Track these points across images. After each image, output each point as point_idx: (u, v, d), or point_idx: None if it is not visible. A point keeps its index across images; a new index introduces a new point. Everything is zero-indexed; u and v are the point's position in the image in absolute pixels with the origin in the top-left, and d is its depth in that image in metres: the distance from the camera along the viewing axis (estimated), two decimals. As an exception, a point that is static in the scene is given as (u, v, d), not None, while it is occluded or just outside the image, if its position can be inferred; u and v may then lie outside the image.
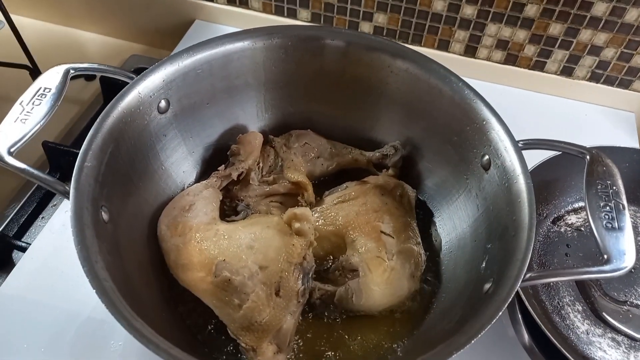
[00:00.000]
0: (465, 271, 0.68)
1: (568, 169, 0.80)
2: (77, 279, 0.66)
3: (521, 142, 0.64)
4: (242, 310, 0.61)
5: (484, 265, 0.63)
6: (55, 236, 0.78)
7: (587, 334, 0.70)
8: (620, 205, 0.55)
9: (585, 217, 0.81)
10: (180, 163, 0.76)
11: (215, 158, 0.79)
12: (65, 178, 0.88)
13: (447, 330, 0.60)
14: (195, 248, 0.65)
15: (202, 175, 0.79)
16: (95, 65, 0.65)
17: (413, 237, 0.71)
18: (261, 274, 0.63)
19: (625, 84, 1.04)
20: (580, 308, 0.72)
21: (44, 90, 0.61)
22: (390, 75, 0.74)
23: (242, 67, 0.75)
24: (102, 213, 0.58)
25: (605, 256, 0.52)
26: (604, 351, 0.68)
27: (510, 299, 0.51)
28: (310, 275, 0.65)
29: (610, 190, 0.57)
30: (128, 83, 0.65)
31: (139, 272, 0.64)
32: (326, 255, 0.72)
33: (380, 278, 0.66)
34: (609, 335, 0.70)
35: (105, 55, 1.23)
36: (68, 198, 0.55)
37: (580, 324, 0.70)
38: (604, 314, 0.71)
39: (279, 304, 0.63)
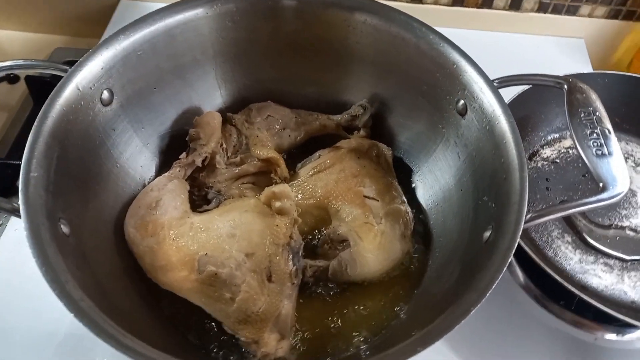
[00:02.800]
0: (456, 223, 0.66)
1: (535, 104, 0.80)
2: (45, 297, 0.60)
3: (495, 82, 0.61)
4: (236, 304, 0.57)
5: (475, 214, 0.61)
6: (12, 255, 0.71)
7: (581, 262, 0.70)
8: (606, 131, 0.54)
9: (559, 148, 0.81)
10: (135, 158, 0.69)
11: (173, 147, 0.73)
12: (9, 194, 0.80)
13: (449, 286, 0.59)
14: (171, 246, 0.60)
15: (162, 167, 0.72)
16: (21, 62, 0.57)
17: (398, 197, 0.68)
18: (248, 261, 0.58)
19: (572, 11, 1.04)
20: (569, 239, 0.72)
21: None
22: (349, 30, 0.69)
23: (187, 42, 0.68)
24: (61, 226, 0.51)
25: (601, 184, 0.51)
26: (599, 277, 0.69)
27: (515, 245, 0.49)
28: (300, 254, 0.62)
29: (594, 117, 0.55)
30: (61, 77, 0.57)
31: (114, 282, 0.58)
32: (311, 230, 0.68)
33: (372, 244, 0.64)
34: (601, 260, 0.70)
35: (26, 52, 1.13)
36: (19, 216, 0.48)
37: (572, 255, 0.70)
38: (592, 241, 0.71)
39: (273, 290, 0.59)
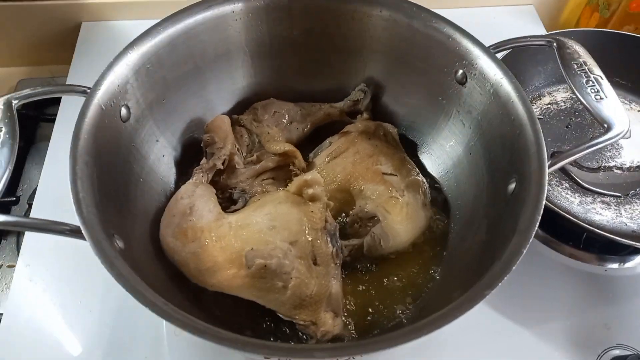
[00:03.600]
0: (470, 185, 0.70)
1: (514, 67, 0.85)
2: (65, 332, 0.67)
3: (490, 48, 0.66)
4: (289, 290, 0.59)
5: (490, 173, 0.66)
6: (24, 296, 0.71)
7: (581, 204, 0.76)
8: (599, 78, 0.60)
9: (540, 105, 0.88)
10: (155, 170, 0.70)
11: (187, 155, 0.74)
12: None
13: (480, 240, 0.63)
14: (215, 248, 0.61)
15: (180, 176, 0.74)
16: (40, 89, 0.56)
17: (412, 169, 0.72)
18: (294, 249, 0.61)
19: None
20: (567, 185, 0.78)
21: (-8, 133, 0.52)
22: (340, 19, 0.73)
23: (187, 51, 0.69)
24: (117, 241, 0.52)
25: (606, 125, 0.57)
26: (600, 214, 0.75)
27: (546, 187, 0.54)
28: (336, 235, 0.64)
29: (586, 67, 0.61)
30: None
31: (166, 293, 0.58)
32: (338, 214, 0.71)
33: (400, 215, 0.67)
34: (598, 200, 0.77)
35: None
36: (79, 237, 0.48)
37: (573, 199, 0.77)
38: (586, 184, 0.78)
39: (321, 272, 0.61)
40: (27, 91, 0.55)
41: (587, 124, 0.85)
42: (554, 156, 0.58)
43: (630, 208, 0.76)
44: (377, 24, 0.72)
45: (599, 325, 0.71)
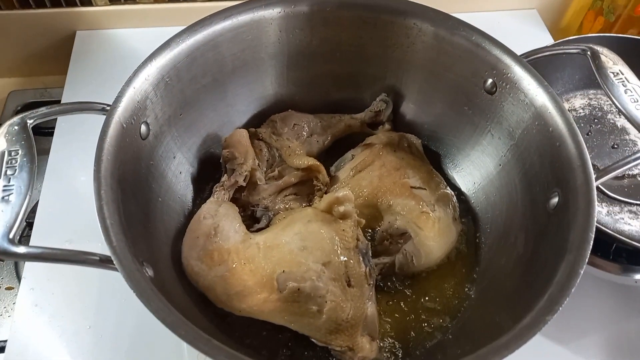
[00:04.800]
0: (501, 197, 0.68)
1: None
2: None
3: (522, 56, 0.64)
4: (325, 315, 0.56)
5: (525, 184, 0.64)
6: (30, 321, 0.67)
7: (609, 214, 0.75)
8: (637, 86, 0.58)
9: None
10: (173, 189, 0.66)
11: (203, 172, 0.71)
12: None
13: (517, 255, 0.61)
14: (244, 270, 0.58)
15: (197, 193, 0.70)
16: (57, 107, 0.52)
17: (441, 182, 0.70)
18: (327, 271, 0.58)
19: (523, -16, 1.10)
20: (594, 195, 0.77)
21: (9, 155, 0.48)
22: (362, 27, 0.70)
23: (206, 63, 0.66)
24: (146, 269, 0.48)
25: (652, 135, 0.55)
26: (629, 224, 0.74)
27: (595, 201, 0.52)
28: (369, 254, 0.62)
29: (623, 76, 0.59)
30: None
31: (194, 321, 0.55)
32: (364, 230, 0.68)
33: (432, 231, 0.65)
34: (626, 209, 0.76)
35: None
36: (109, 267, 0.45)
37: (600, 208, 0.75)
38: (612, 194, 0.77)
39: (355, 294, 0.58)
40: (43, 109, 0.52)
41: (607, 130, 0.84)
42: (595, 169, 0.56)
43: (658, 217, 0.75)
44: (400, 32, 0.70)
45: (634, 337, 0.69)
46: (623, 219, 0.75)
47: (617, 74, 0.60)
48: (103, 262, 0.45)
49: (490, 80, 0.66)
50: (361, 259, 0.60)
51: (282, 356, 0.60)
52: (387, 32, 0.71)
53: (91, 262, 0.45)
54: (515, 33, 1.09)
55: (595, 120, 0.86)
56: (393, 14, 0.69)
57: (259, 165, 0.70)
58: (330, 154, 0.76)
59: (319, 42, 0.72)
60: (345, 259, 0.59)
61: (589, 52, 0.62)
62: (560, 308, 0.45)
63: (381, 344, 0.61)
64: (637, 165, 0.54)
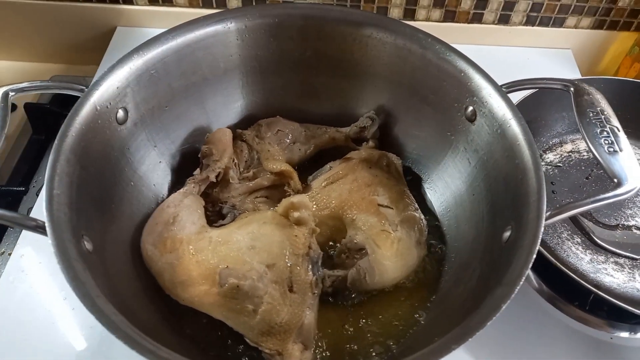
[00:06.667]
0: (470, 226, 0.66)
1: (535, 110, 0.82)
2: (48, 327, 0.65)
3: (503, 87, 0.63)
4: (259, 315, 0.57)
5: (490, 216, 0.62)
6: (12, 286, 0.70)
7: (592, 262, 0.71)
8: (615, 129, 0.56)
9: (561, 152, 0.83)
10: (148, 176, 0.69)
11: (185, 164, 0.73)
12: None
13: (470, 288, 0.59)
14: (191, 261, 0.60)
15: (175, 185, 0.73)
16: (38, 83, 0.57)
17: (411, 204, 0.69)
18: (270, 273, 0.58)
19: (559, 23, 1.07)
20: (579, 240, 0.73)
21: (-16, 119, 0.52)
22: (355, 44, 0.71)
23: (197, 61, 0.69)
24: (85, 243, 0.51)
25: (616, 180, 0.53)
26: (611, 276, 0.70)
27: (539, 239, 0.50)
28: (319, 264, 0.62)
29: (602, 117, 0.57)
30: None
31: (135, 301, 0.57)
32: (327, 241, 0.68)
33: (390, 251, 0.64)
34: (611, 260, 0.71)
35: (22, 81, 1.12)
36: (42, 233, 0.47)
37: (583, 255, 0.72)
38: (600, 242, 0.73)
39: (295, 300, 0.58)
40: (24, 84, 0.56)
41: (607, 177, 0.80)
42: (557, 208, 0.54)
43: (646, 273, 0.70)
44: (392, 52, 0.71)
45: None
46: (606, 269, 0.70)
47: (597, 113, 0.58)
48: (39, 228, 0.48)
49: (470, 108, 0.65)
50: (310, 267, 0.61)
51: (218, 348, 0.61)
52: (377, 51, 0.71)
53: (27, 225, 0.48)
54: (543, 71, 1.05)
55: (599, 165, 0.81)
56: (385, 32, 0.70)
57: (235, 164, 0.72)
58: (314, 165, 0.77)
59: (312, 54, 0.74)
60: (291, 264, 0.59)
61: (572, 88, 0.60)
62: (471, 339, 0.43)
63: (317, 357, 0.61)
64: (597, 206, 0.51)
